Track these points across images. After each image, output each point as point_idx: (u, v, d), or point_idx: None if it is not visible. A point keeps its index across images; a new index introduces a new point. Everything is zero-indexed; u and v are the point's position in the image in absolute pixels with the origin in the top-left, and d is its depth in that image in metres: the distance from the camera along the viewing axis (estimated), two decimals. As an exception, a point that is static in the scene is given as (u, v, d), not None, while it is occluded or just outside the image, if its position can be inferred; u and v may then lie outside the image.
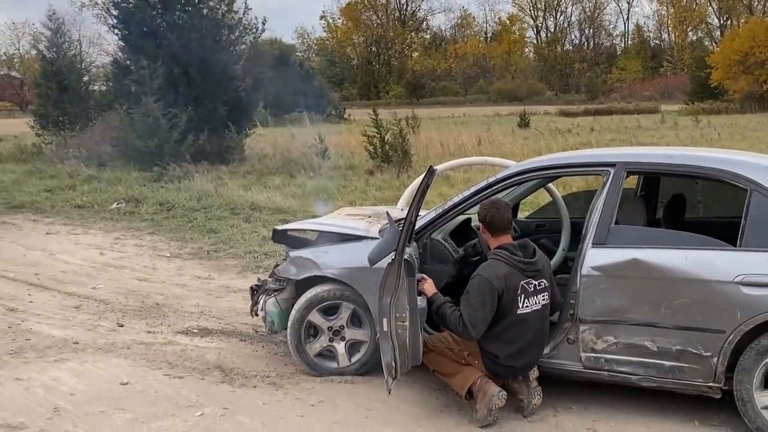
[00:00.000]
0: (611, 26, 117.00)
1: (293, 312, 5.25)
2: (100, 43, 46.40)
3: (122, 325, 6.54)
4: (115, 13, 18.91)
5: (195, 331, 6.38)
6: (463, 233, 5.62)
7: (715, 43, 72.47)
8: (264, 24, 19.85)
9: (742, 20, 70.12)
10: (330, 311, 5.23)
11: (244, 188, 14.01)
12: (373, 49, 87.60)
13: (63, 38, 23.89)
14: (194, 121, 17.55)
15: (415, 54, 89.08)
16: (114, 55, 21.49)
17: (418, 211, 4.56)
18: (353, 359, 5.23)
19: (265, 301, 5.46)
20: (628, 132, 27.12)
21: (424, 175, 4.50)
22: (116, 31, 18.98)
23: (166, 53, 17.63)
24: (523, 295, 4.40)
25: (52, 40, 23.67)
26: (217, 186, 13.93)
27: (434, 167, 4.56)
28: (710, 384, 4.27)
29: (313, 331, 5.28)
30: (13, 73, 78.37)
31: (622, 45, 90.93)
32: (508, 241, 4.55)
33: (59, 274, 8.47)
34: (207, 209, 12.06)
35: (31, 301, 7.31)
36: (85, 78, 25.04)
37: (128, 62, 18.54)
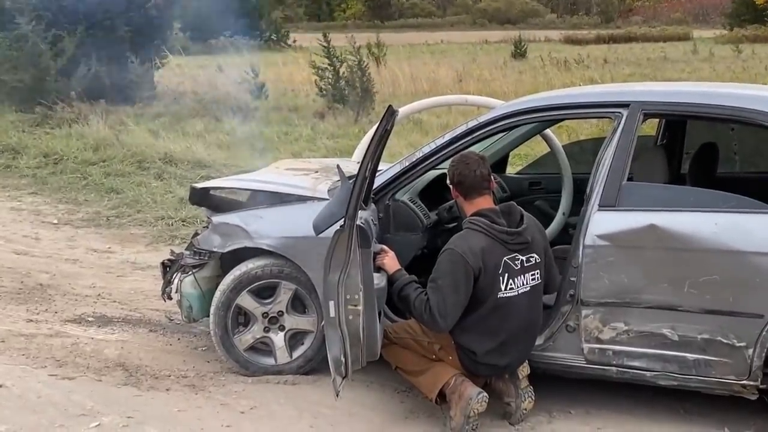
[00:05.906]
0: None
1: (217, 294, 5.26)
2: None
3: (-5, 313, 6.51)
4: None
5: (90, 319, 6.37)
6: (436, 193, 5.65)
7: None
8: None
9: None
10: (265, 293, 5.25)
11: (155, 135, 13.90)
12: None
13: None
14: (86, 47, 17.29)
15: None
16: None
17: (376, 163, 4.57)
18: (295, 354, 5.27)
19: (181, 281, 5.46)
20: (651, 65, 27.37)
21: (382, 117, 4.48)
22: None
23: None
24: (506, 275, 4.41)
25: None
26: (118, 132, 13.81)
27: (395, 108, 4.56)
28: (744, 382, 4.36)
29: (244, 318, 5.30)
30: None
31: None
32: (487, 205, 4.55)
33: None
34: (106, 162, 12.00)
35: None
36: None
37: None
